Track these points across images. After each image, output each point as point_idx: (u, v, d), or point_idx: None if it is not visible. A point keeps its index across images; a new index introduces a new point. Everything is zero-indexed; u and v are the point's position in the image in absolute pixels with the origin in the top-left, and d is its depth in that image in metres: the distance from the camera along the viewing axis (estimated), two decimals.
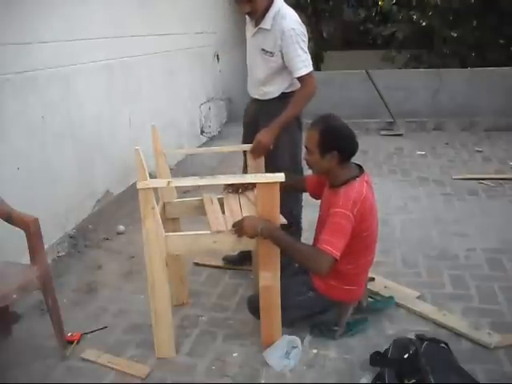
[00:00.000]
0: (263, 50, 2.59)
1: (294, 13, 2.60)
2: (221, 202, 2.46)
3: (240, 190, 2.52)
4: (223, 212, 2.34)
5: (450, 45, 7.31)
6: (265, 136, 2.52)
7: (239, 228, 2.05)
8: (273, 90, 2.66)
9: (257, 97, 2.77)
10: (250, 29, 2.67)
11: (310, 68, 2.56)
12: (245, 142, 2.80)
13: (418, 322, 2.42)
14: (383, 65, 7.62)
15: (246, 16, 2.62)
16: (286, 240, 2.06)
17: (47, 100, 3.14)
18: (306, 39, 2.59)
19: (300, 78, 2.55)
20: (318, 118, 2.18)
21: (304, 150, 2.22)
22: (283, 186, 2.05)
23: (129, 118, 4.20)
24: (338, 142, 2.11)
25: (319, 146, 2.11)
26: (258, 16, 2.53)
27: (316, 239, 2.30)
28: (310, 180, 2.46)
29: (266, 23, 2.53)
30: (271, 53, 2.56)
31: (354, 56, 8.17)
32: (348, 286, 2.25)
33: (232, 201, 2.42)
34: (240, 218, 2.16)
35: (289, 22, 2.50)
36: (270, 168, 2.44)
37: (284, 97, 2.63)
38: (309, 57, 2.58)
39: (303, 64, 2.52)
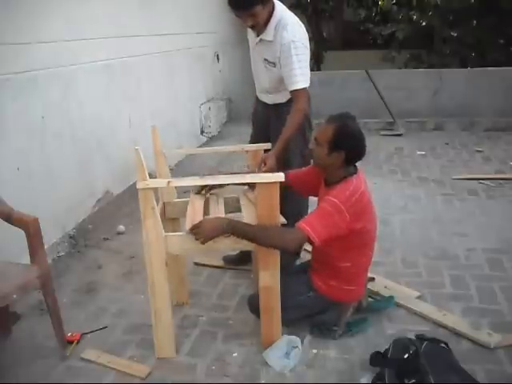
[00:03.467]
0: (266, 60, 2.57)
1: (296, 21, 2.53)
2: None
3: (212, 191, 2.46)
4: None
5: (449, 45, 7.32)
6: (271, 163, 2.45)
7: (198, 231, 2.00)
8: (280, 97, 2.64)
9: (265, 101, 2.76)
10: (252, 36, 2.63)
11: (305, 84, 2.50)
12: (253, 141, 2.82)
13: (418, 321, 2.41)
14: (383, 65, 7.62)
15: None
16: (250, 228, 2.03)
17: (47, 100, 3.14)
18: (307, 51, 2.54)
19: (292, 93, 2.51)
20: (337, 115, 2.15)
21: (312, 140, 2.20)
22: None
23: (129, 118, 4.21)
24: (348, 144, 2.09)
25: (330, 141, 2.09)
26: (260, 27, 2.49)
27: (316, 248, 2.30)
28: (293, 175, 2.39)
29: (268, 35, 2.49)
30: (273, 63, 2.53)
31: (354, 56, 8.18)
32: (348, 286, 2.26)
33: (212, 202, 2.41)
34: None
35: (290, 33, 2.44)
36: (282, 167, 2.40)
37: (292, 101, 2.58)
38: (307, 71, 2.52)
39: (297, 79, 2.47)
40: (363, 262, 2.29)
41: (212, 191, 2.46)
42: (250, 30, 2.63)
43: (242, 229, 2.02)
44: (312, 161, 2.30)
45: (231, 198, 2.48)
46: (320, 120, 2.21)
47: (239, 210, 2.33)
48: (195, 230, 2.01)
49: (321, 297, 2.26)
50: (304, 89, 2.51)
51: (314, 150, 2.17)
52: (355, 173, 2.16)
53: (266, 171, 2.39)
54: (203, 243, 2.01)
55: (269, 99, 2.73)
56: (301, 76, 2.48)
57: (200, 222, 2.04)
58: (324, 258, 2.22)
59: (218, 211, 2.27)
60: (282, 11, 2.51)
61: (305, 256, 2.89)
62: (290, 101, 2.60)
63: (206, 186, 2.42)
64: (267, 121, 2.76)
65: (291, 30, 2.45)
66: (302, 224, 2.00)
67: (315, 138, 2.17)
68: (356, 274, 2.27)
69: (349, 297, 2.30)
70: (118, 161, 3.99)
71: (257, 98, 2.86)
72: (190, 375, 2.12)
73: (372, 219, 2.22)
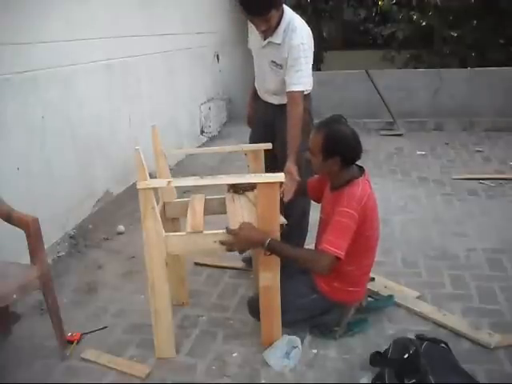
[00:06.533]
0: (273, 62, 2.57)
1: (303, 24, 2.56)
2: (214, 203, 2.47)
3: (241, 191, 2.50)
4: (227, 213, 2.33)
5: (449, 45, 7.31)
6: (293, 170, 2.44)
7: (233, 241, 2.02)
8: (285, 99, 2.61)
9: (271, 101, 2.75)
10: (257, 39, 2.62)
11: (307, 86, 2.53)
12: (252, 142, 2.80)
13: (418, 321, 2.42)
14: (383, 65, 7.62)
15: (249, 24, 2.59)
16: (287, 251, 2.06)
17: (47, 100, 3.14)
18: (312, 55, 2.57)
19: (291, 94, 2.51)
20: (324, 122, 2.14)
21: (308, 152, 2.20)
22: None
23: (129, 118, 4.21)
24: (340, 148, 2.09)
25: (322, 150, 2.09)
26: (271, 31, 2.50)
27: (318, 241, 2.30)
28: (311, 183, 2.46)
29: (278, 38, 2.50)
30: (281, 65, 2.54)
31: (354, 56, 8.17)
32: (351, 287, 2.25)
33: (230, 202, 2.42)
34: (237, 221, 2.14)
35: (299, 35, 2.47)
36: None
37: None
38: (309, 74, 2.54)
39: (302, 80, 2.49)
40: (367, 265, 2.29)
41: (241, 191, 2.49)
42: (253, 33, 2.63)
43: (279, 250, 2.04)
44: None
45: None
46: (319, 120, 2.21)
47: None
48: (229, 239, 2.03)
49: (324, 299, 2.25)
50: (303, 92, 2.52)
51: (311, 160, 2.18)
52: (361, 175, 2.16)
53: (292, 186, 2.39)
54: (228, 250, 2.04)
55: (274, 100, 2.73)
56: (306, 78, 2.51)
57: (239, 229, 2.03)
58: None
59: (249, 210, 2.28)
60: (290, 14, 2.53)
61: None
62: None
63: (234, 185, 2.47)
64: (270, 121, 2.75)
65: (300, 33, 2.49)
66: (327, 247, 2.00)
67: (309, 149, 2.17)
68: (360, 276, 2.26)
69: (352, 298, 2.29)
70: (117, 161, 3.99)
71: (257, 99, 2.86)
72: (190, 375, 2.12)
73: (376, 222, 2.23)
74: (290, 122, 2.50)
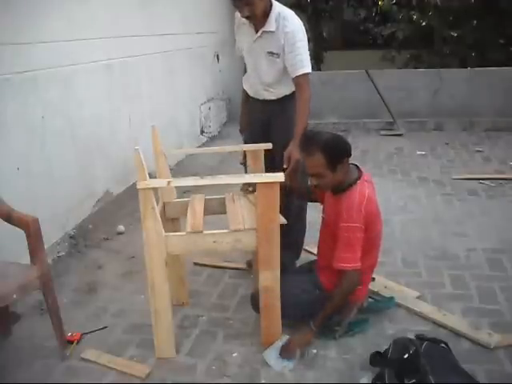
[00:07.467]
0: (270, 52, 2.57)
1: (294, 15, 2.60)
2: (214, 203, 2.48)
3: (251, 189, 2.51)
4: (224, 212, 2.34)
5: (449, 45, 7.32)
6: (295, 152, 2.45)
7: (293, 354, 2.14)
8: (284, 90, 2.65)
9: (266, 98, 2.74)
10: (249, 33, 2.62)
11: (309, 69, 2.56)
12: (251, 141, 2.77)
13: (418, 322, 2.42)
14: (383, 65, 7.62)
15: (238, 20, 2.62)
16: (328, 310, 2.17)
17: (47, 100, 3.14)
18: (306, 39, 2.60)
19: (297, 78, 2.54)
20: (305, 144, 2.18)
21: (310, 179, 2.22)
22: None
23: (129, 118, 4.20)
24: (342, 148, 2.13)
25: (328, 164, 2.10)
26: (259, 20, 2.51)
27: (322, 247, 2.35)
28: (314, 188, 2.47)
29: (271, 26, 2.52)
30: (277, 54, 2.56)
31: (354, 56, 8.18)
32: None
33: (230, 203, 2.42)
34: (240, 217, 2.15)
35: (291, 22, 2.52)
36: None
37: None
38: (308, 57, 2.58)
39: (304, 63, 2.53)
40: (370, 264, 2.30)
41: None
42: (244, 26, 2.63)
43: (324, 317, 2.18)
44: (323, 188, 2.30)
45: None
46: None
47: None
48: (287, 354, 2.14)
49: (326, 296, 2.23)
50: (309, 74, 2.56)
51: (320, 182, 2.18)
52: (358, 178, 2.18)
53: (294, 165, 2.43)
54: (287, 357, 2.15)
55: (272, 95, 2.71)
56: (306, 61, 2.54)
57: (291, 344, 2.15)
58: (332, 259, 2.22)
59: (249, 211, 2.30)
60: (279, 7, 2.58)
61: (306, 256, 2.90)
62: (294, 93, 2.61)
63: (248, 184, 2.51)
64: (267, 120, 2.74)
65: (292, 20, 2.54)
66: (344, 266, 2.12)
67: (312, 174, 2.18)
68: (364, 274, 2.26)
69: (355, 296, 2.29)
70: (117, 161, 3.99)
71: (249, 102, 2.85)
72: (190, 375, 2.12)
73: (379, 222, 2.24)
74: (300, 104, 2.53)
